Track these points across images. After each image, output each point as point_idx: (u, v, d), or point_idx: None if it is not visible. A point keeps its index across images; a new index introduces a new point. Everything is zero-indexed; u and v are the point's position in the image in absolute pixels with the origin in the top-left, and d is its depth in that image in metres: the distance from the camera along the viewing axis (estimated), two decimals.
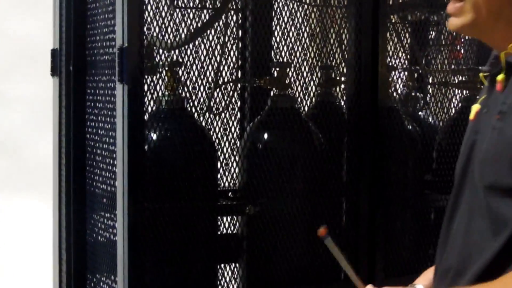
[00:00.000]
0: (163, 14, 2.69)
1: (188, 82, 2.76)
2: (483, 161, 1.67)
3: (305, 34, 2.91)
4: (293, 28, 2.90)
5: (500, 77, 1.71)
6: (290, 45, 2.90)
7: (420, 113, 3.33)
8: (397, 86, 3.14)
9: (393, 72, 3.07)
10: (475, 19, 1.71)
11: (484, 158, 1.67)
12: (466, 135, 1.82)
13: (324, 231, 1.95)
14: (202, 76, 2.78)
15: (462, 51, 3.43)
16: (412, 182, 3.03)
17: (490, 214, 1.64)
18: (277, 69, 2.85)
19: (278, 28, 2.92)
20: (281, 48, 2.91)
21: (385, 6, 2.88)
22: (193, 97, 2.77)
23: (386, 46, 2.90)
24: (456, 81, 3.24)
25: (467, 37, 3.33)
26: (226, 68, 2.86)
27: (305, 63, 2.92)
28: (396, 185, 2.95)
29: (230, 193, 2.85)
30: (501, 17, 1.71)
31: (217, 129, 2.81)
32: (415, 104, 3.29)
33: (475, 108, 1.80)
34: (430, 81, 3.30)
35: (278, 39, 2.92)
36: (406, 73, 3.21)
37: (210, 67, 2.80)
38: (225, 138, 2.82)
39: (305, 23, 2.94)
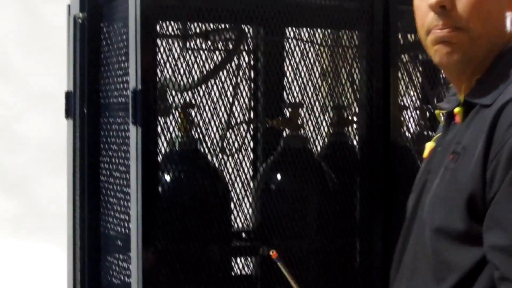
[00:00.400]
0: (176, 56, 2.71)
1: (201, 123, 2.77)
2: (433, 203, 1.60)
3: (317, 74, 2.93)
4: (304, 68, 2.92)
5: (457, 109, 1.63)
6: (302, 85, 2.91)
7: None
8: (409, 125, 3.14)
9: (405, 112, 3.08)
10: (471, 53, 1.60)
11: (434, 200, 1.60)
12: (419, 174, 1.76)
13: (275, 254, 2.21)
14: (214, 117, 2.79)
15: None
16: None
17: (435, 258, 1.57)
18: (289, 109, 2.87)
19: (289, 68, 2.93)
20: (293, 89, 2.92)
21: (396, 46, 2.89)
22: (206, 138, 2.78)
23: (397, 86, 2.91)
24: None
25: None
26: (238, 109, 2.87)
27: (317, 103, 2.93)
28: None
29: (243, 234, 2.85)
30: (494, 49, 1.61)
31: (230, 170, 2.82)
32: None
33: (429, 146, 1.75)
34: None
35: (290, 79, 2.94)
36: (418, 112, 3.21)
37: (222, 108, 2.82)
38: (238, 179, 2.82)
39: (317, 64, 2.95)
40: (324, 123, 2.95)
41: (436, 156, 1.69)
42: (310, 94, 2.92)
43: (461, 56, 1.61)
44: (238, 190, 2.81)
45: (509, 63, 1.61)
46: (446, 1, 1.60)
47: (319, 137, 2.94)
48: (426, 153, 1.75)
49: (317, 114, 2.92)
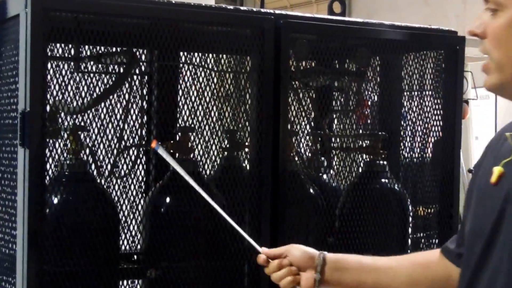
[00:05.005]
0: (66, 78, 2.71)
1: (91, 146, 2.77)
2: None
3: (208, 99, 2.95)
4: (195, 93, 2.94)
5: None
6: (193, 109, 2.93)
7: (324, 176, 3.39)
8: (300, 150, 3.19)
9: (295, 137, 3.12)
10: (500, 79, 1.66)
11: None
12: (485, 199, 1.71)
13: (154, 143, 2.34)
14: (105, 140, 2.80)
15: (370, 116, 3.46)
16: (314, 245, 3.06)
17: None
18: (180, 133, 2.89)
19: (181, 92, 2.96)
20: (184, 113, 2.94)
21: (286, 72, 2.92)
22: (96, 161, 2.78)
23: (287, 112, 2.94)
24: (358, 146, 3.30)
25: (371, 102, 3.39)
26: (129, 132, 2.88)
27: (207, 127, 2.95)
28: None
29: (133, 257, 2.86)
30: None
31: (119, 193, 2.82)
32: (318, 168, 3.35)
33: (498, 171, 1.67)
34: (334, 145, 3.36)
35: (182, 103, 2.96)
36: (309, 137, 3.26)
37: (113, 131, 2.82)
38: (127, 202, 2.83)
39: (209, 88, 2.97)
40: (215, 147, 2.98)
41: None
42: (201, 118, 2.94)
43: (492, 81, 1.68)
44: (126, 213, 2.81)
45: None
46: (477, 31, 1.69)
47: (209, 160, 2.96)
48: (494, 178, 1.66)
49: (207, 138, 2.95)
